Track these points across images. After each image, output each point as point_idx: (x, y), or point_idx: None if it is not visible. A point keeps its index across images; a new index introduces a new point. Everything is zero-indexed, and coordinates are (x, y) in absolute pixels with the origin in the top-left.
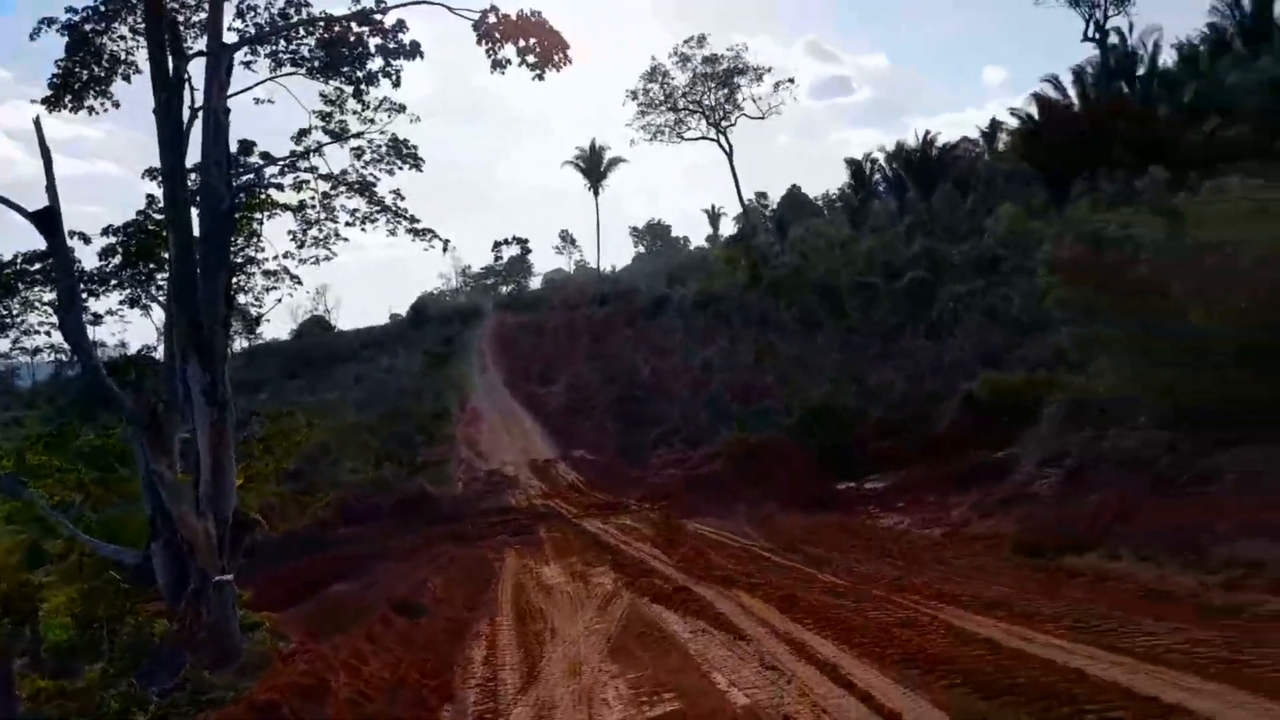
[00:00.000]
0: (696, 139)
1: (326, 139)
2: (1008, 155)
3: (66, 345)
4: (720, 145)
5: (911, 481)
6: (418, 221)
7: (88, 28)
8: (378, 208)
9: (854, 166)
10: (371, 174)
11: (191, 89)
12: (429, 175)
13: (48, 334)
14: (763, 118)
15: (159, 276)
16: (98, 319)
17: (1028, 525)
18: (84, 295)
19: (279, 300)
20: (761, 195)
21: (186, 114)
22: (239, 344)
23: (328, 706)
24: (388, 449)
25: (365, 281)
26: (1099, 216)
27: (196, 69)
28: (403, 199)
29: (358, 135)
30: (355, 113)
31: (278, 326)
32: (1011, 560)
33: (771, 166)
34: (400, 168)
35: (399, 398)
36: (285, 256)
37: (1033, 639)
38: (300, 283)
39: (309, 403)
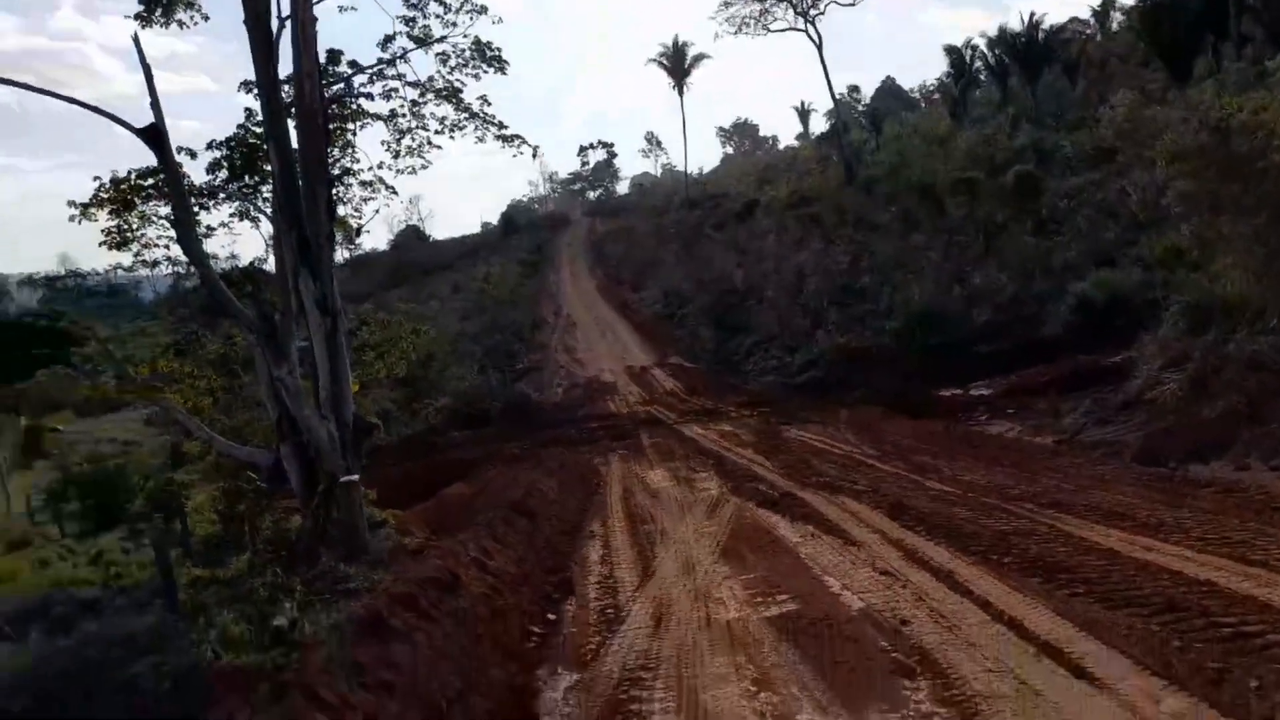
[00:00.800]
0: (784, 30)
1: (411, 45)
2: (1122, 36)
3: (184, 258)
4: (809, 36)
5: (1020, 387)
6: (505, 128)
7: None
8: (465, 114)
9: (953, 54)
10: (458, 79)
11: None
12: (513, 83)
13: (166, 247)
14: (854, 4)
15: (264, 189)
16: (210, 231)
17: (1149, 432)
18: (195, 210)
19: (377, 211)
20: (854, 89)
21: (275, 25)
22: (341, 255)
23: (461, 598)
24: (490, 357)
25: (456, 191)
26: (1226, 100)
27: None
28: (489, 105)
29: (441, 40)
30: (438, 16)
31: (375, 237)
32: (1132, 469)
33: (864, 58)
34: (485, 71)
35: (496, 306)
36: (380, 167)
37: (1158, 549)
38: (396, 193)
39: (412, 312)
